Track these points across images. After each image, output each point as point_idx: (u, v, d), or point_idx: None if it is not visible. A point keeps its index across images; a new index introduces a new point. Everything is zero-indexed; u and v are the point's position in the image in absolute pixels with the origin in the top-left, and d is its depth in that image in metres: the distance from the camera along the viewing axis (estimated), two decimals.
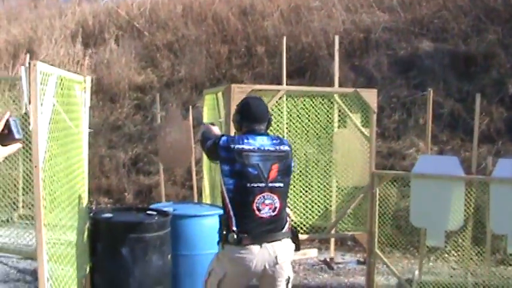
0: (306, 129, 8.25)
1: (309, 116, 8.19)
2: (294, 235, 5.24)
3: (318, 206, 8.34)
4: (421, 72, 14.16)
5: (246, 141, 5.07)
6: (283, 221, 5.13)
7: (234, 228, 4.97)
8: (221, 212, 7.15)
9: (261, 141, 5.12)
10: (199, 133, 5.76)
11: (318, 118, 8.23)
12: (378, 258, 8.12)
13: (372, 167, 7.99)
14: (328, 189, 8.52)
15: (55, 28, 19.49)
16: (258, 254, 4.98)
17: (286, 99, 8.10)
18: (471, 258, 8.94)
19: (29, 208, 10.60)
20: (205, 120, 8.97)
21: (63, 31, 19.32)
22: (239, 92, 7.28)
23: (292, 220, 5.64)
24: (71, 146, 5.84)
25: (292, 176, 8.19)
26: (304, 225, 8.21)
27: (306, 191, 8.28)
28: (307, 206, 8.26)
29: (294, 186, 8.33)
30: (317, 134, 8.35)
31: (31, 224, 10.18)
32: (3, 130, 2.73)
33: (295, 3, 17.32)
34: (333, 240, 9.80)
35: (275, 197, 5.04)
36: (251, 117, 5.22)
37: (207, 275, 5.25)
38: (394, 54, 14.87)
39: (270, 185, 5.03)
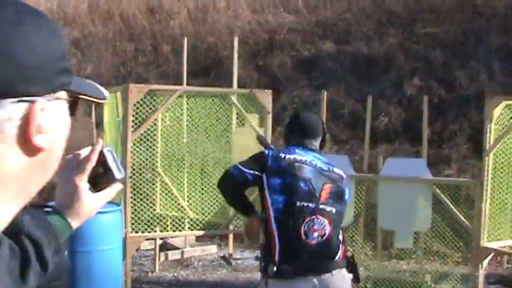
0: (205, 128, 8.42)
1: (208, 115, 8.36)
2: (350, 264, 4.53)
3: (216, 203, 8.51)
4: (324, 73, 14.52)
5: (296, 151, 4.51)
6: (334, 248, 4.44)
7: (277, 258, 4.31)
8: (118, 208, 7.32)
9: (311, 157, 4.52)
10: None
11: (218, 117, 8.40)
12: None
13: None
14: None
15: None
16: None
17: (187, 99, 8.27)
18: (365, 253, 9.29)
19: None
20: (106, 119, 9.04)
21: None
22: (137, 91, 7.41)
23: (347, 248, 4.92)
24: None
25: (190, 172, 8.38)
26: (201, 222, 8.37)
27: (203, 189, 8.44)
28: (203, 203, 8.42)
29: (191, 184, 8.52)
30: (216, 133, 8.52)
31: None
32: (96, 168, 1.80)
33: (202, 3, 17.49)
34: (231, 236, 10.00)
35: (325, 221, 4.37)
36: (300, 129, 4.67)
37: None
38: (298, 55, 15.19)
39: (321, 206, 4.38)
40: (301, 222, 4.31)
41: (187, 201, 8.58)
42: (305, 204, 4.32)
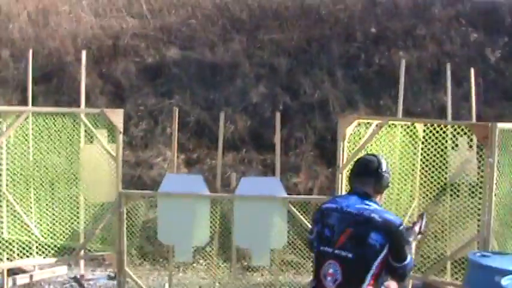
0: (54, 145, 8.16)
1: (57, 133, 8.12)
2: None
3: (66, 224, 8.26)
4: (169, 80, 14.34)
5: (335, 199, 4.70)
6: None
7: None
8: None
9: (348, 201, 4.55)
10: None
11: (66, 135, 8.19)
12: (128, 276, 8.18)
13: (119, 187, 8.03)
14: (76, 206, 8.45)
15: None
16: None
17: (34, 119, 7.96)
18: (219, 267, 9.30)
19: None
20: None
21: None
22: None
23: None
24: None
25: (38, 190, 8.05)
26: (53, 248, 8.09)
27: (53, 209, 8.17)
28: (54, 224, 8.15)
29: (40, 204, 8.21)
30: (66, 149, 8.30)
31: None
32: None
33: (43, 6, 16.85)
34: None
35: (338, 267, 4.39)
36: (352, 171, 4.74)
37: None
38: (142, 61, 14.93)
39: (336, 251, 4.41)
40: (320, 266, 4.48)
41: (37, 222, 8.25)
42: (324, 249, 4.47)
